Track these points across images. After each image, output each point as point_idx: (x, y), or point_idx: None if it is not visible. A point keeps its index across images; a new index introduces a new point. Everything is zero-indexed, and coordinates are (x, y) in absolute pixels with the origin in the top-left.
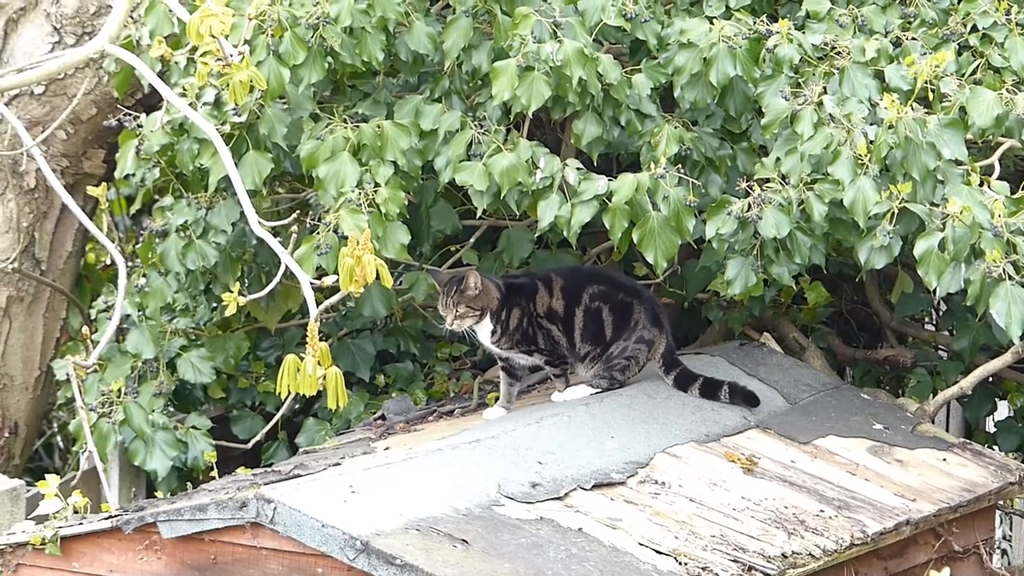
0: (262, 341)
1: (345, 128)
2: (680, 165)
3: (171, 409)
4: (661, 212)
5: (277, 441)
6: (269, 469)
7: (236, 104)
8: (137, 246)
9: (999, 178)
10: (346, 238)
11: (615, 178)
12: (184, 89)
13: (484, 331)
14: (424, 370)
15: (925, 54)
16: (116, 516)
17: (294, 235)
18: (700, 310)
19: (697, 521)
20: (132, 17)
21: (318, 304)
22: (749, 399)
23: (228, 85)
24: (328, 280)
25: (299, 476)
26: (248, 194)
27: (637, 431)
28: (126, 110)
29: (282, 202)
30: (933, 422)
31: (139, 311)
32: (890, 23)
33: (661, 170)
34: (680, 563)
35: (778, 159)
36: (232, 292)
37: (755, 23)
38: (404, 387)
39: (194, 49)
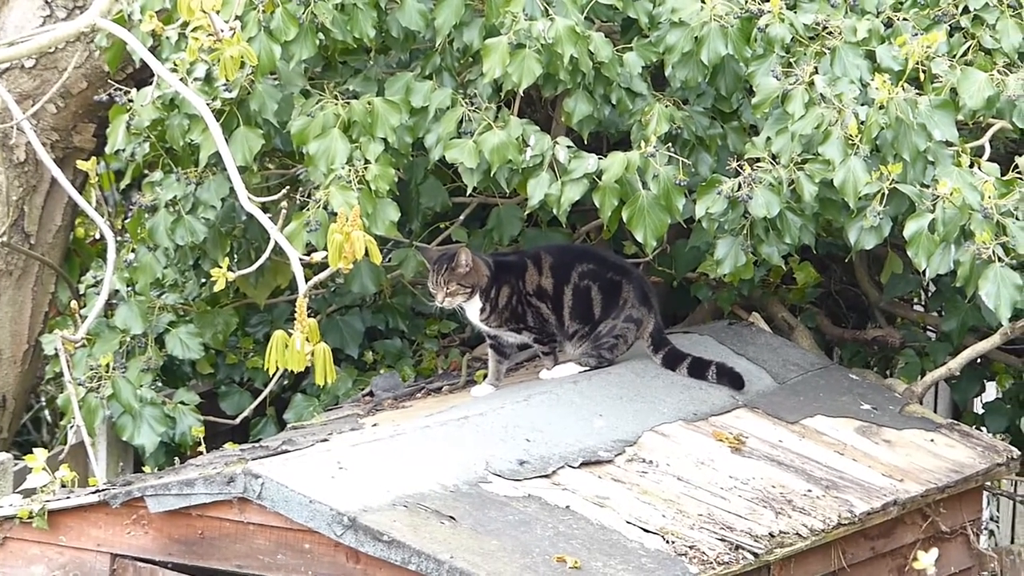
0: (251, 317)
1: (336, 105)
2: (670, 144)
3: (159, 384)
4: (651, 191)
5: (265, 417)
6: (257, 445)
7: (227, 80)
8: (126, 221)
9: (989, 159)
10: (336, 215)
11: (605, 156)
12: (175, 64)
13: (473, 309)
14: (412, 347)
15: (916, 34)
16: (104, 490)
17: (284, 211)
18: (689, 289)
19: (684, 500)
20: None
21: (307, 280)
22: (735, 381)
23: (219, 61)
24: (317, 256)
25: (287, 452)
26: (238, 170)
27: (625, 409)
28: (117, 85)
29: (272, 178)
30: (921, 403)
31: (128, 286)
32: (882, 3)
33: (651, 149)
34: (667, 541)
35: (769, 139)
36: (221, 268)
37: (746, 2)
38: (392, 364)
39: (185, 24)
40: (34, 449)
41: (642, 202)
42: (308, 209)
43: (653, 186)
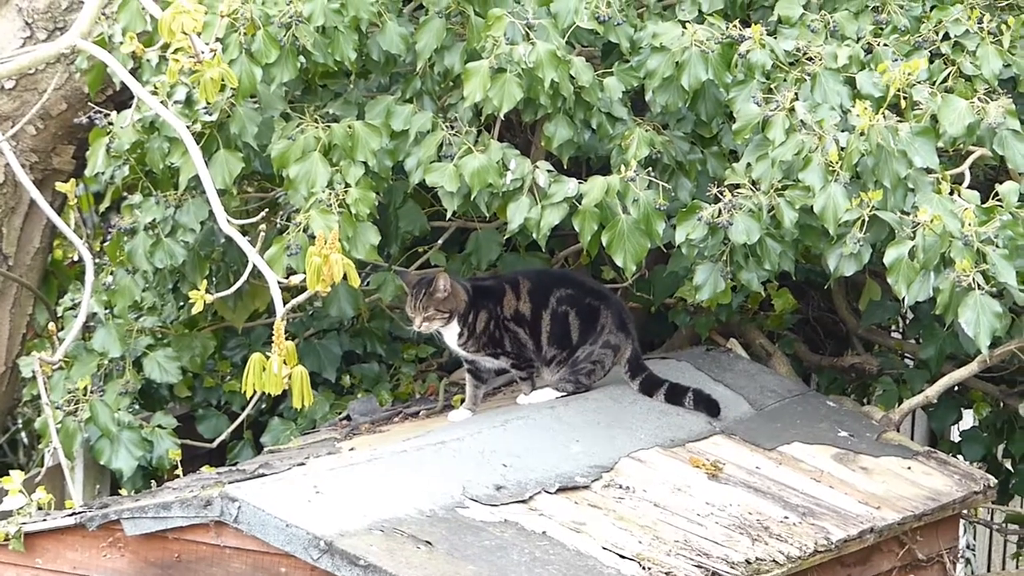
0: (229, 340)
1: (316, 128)
2: (650, 169)
3: (137, 407)
4: (631, 215)
5: (242, 440)
6: (234, 468)
7: (207, 102)
8: (105, 244)
9: (969, 187)
10: (315, 238)
11: (585, 181)
12: (155, 87)
13: (451, 334)
14: (390, 371)
15: (897, 60)
16: (80, 513)
17: (262, 234)
18: (667, 315)
19: (661, 526)
20: (104, 13)
21: (285, 303)
22: (711, 408)
23: (199, 83)
24: (295, 279)
25: (264, 475)
26: (218, 193)
27: (602, 435)
28: (96, 107)
29: (251, 201)
30: (898, 430)
31: (106, 309)
32: (862, 29)
33: (631, 173)
34: (644, 568)
35: (749, 165)
36: (199, 290)
37: (727, 28)
38: (370, 388)
39: (166, 46)
40: (11, 471)
41: (622, 226)
42: (288, 233)
43: (633, 211)
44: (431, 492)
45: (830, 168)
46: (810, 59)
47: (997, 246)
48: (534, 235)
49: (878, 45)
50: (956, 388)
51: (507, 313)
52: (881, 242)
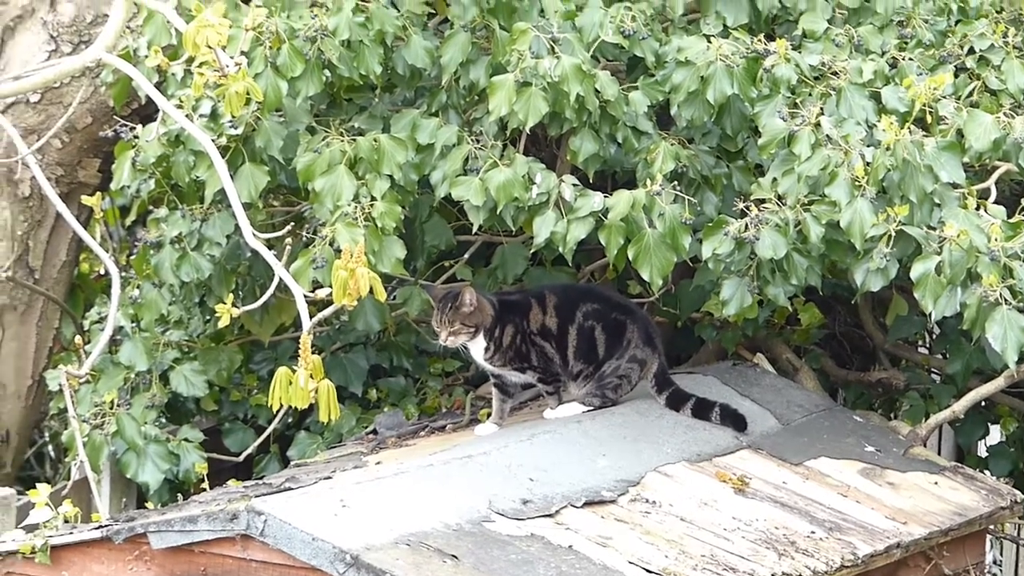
0: (255, 354)
1: (342, 141)
2: (676, 183)
3: (163, 421)
4: (657, 229)
5: (269, 454)
6: (260, 482)
7: (232, 116)
8: (131, 257)
9: (995, 202)
10: (341, 252)
11: (611, 195)
12: (180, 100)
13: (478, 348)
14: (416, 385)
15: (922, 74)
16: (106, 526)
17: (288, 247)
18: (693, 329)
19: (687, 540)
20: (129, 27)
21: (311, 317)
22: (738, 423)
23: (224, 97)
24: (322, 293)
25: (290, 489)
26: (243, 206)
27: (628, 449)
28: (122, 120)
29: (277, 215)
30: (925, 445)
31: (133, 323)
32: (887, 43)
33: (657, 187)
34: None
35: (775, 179)
36: (226, 304)
37: (752, 42)
38: (396, 402)
39: (191, 60)
40: (37, 484)
41: (648, 240)
42: (314, 246)
43: (659, 224)
44: (457, 506)
45: (856, 183)
46: (835, 74)
47: None
48: (560, 249)
49: (903, 59)
50: (983, 403)
51: (534, 327)
52: (908, 257)
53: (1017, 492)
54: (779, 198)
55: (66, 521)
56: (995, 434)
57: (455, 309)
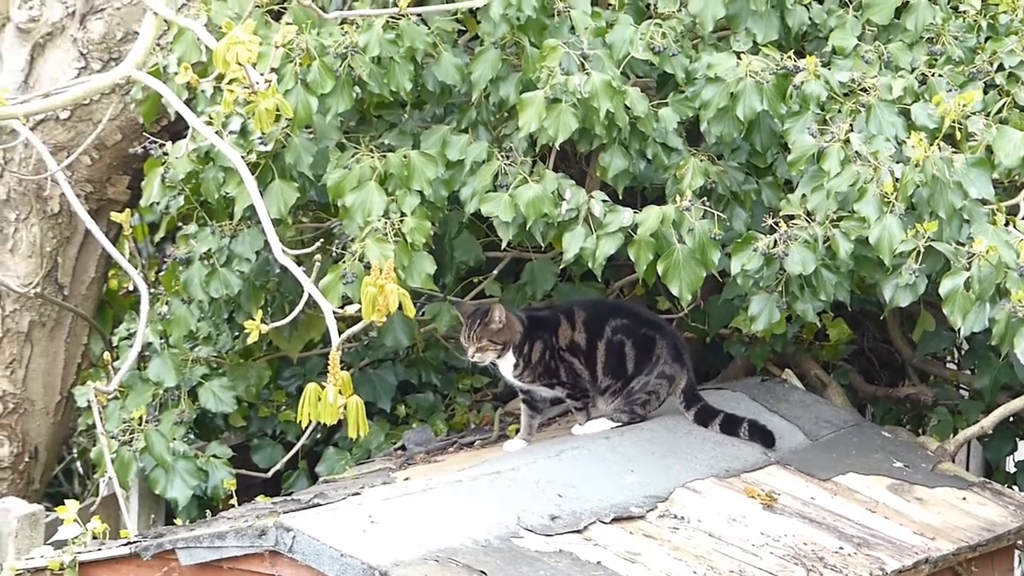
0: (284, 370)
1: (372, 157)
2: (705, 198)
3: (192, 437)
4: (686, 245)
5: (297, 470)
6: (289, 498)
7: (262, 132)
8: (160, 273)
9: None
10: (371, 267)
11: (640, 211)
12: (210, 117)
13: (507, 364)
14: (445, 401)
15: (951, 90)
16: (135, 542)
17: (317, 264)
18: (722, 345)
19: (716, 556)
20: (159, 44)
21: (340, 333)
22: (766, 438)
23: (254, 113)
24: (351, 309)
25: (319, 505)
26: (273, 223)
27: (657, 465)
28: (152, 137)
29: (306, 231)
30: (954, 461)
31: (161, 339)
32: (916, 60)
33: (686, 203)
34: None
35: (804, 195)
36: (255, 320)
37: (782, 59)
38: (425, 418)
39: (221, 77)
40: (66, 501)
41: (677, 256)
42: (344, 261)
43: (688, 240)
44: (486, 522)
45: (885, 199)
46: (864, 90)
47: None
48: (590, 264)
49: (932, 76)
50: (1011, 419)
51: (562, 343)
52: (936, 273)
53: None
54: (808, 214)
55: (94, 537)
56: (1023, 450)
57: (484, 326)
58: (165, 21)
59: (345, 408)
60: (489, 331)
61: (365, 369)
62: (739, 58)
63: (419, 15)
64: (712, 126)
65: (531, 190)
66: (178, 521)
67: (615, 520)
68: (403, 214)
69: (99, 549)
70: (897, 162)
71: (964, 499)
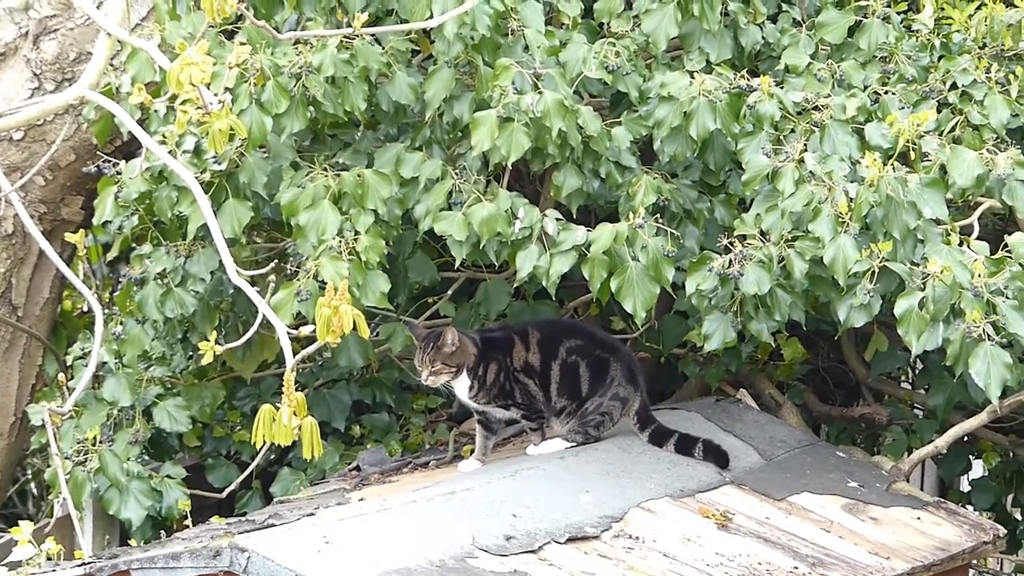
0: (238, 390)
1: (326, 176)
2: (658, 216)
3: (146, 457)
4: (639, 262)
5: (251, 491)
6: (243, 518)
7: (216, 152)
8: (114, 294)
9: (978, 238)
10: (326, 285)
11: (593, 229)
12: (164, 137)
13: (462, 386)
14: (400, 421)
15: (903, 108)
16: (89, 563)
17: (272, 284)
18: (677, 365)
19: None
20: (113, 64)
21: (295, 354)
22: (720, 458)
23: (208, 133)
24: (305, 330)
25: (273, 526)
26: (228, 242)
27: (612, 485)
28: (105, 157)
29: (260, 252)
30: (908, 480)
31: (116, 359)
32: (869, 78)
33: (639, 220)
34: None
35: (758, 215)
36: (209, 341)
37: (735, 78)
38: (379, 438)
39: (174, 97)
40: (20, 522)
41: (631, 273)
42: (298, 279)
43: (642, 257)
44: (441, 542)
45: (840, 219)
46: (818, 109)
47: (1007, 297)
48: (543, 283)
49: (885, 94)
50: (966, 438)
51: (517, 364)
52: (891, 293)
53: (1000, 527)
54: (763, 234)
55: (49, 559)
56: (978, 469)
57: (437, 349)
58: (119, 41)
59: (299, 429)
60: (442, 354)
61: (319, 389)
62: (692, 77)
63: (373, 35)
64: (665, 145)
65: (484, 209)
66: (133, 542)
67: (570, 540)
68: (357, 232)
69: (54, 570)
70: (851, 182)
71: (919, 519)
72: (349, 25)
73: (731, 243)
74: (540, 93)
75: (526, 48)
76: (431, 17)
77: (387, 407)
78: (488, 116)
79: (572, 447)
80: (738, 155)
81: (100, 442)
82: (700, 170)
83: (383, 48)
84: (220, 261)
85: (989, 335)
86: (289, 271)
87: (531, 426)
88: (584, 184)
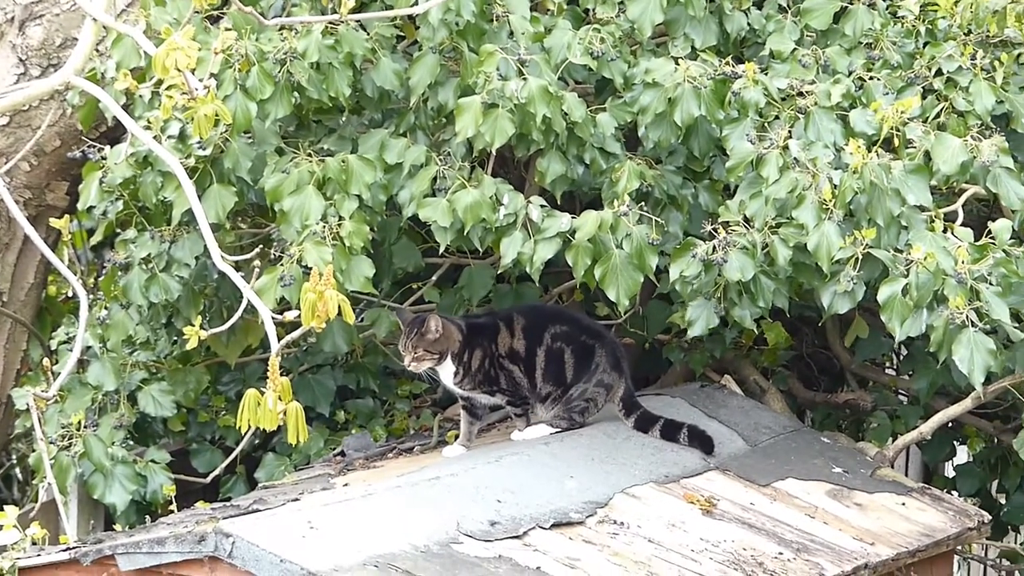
0: (223, 375)
1: (310, 162)
2: (642, 203)
3: (131, 442)
4: (623, 250)
5: (236, 476)
6: (228, 503)
7: (201, 138)
8: (99, 279)
9: (962, 224)
10: (310, 270)
11: (578, 216)
12: (149, 122)
13: (447, 372)
14: (384, 407)
15: (888, 94)
16: (74, 548)
17: (256, 269)
18: (661, 351)
19: (656, 562)
20: (98, 50)
21: (279, 339)
22: (705, 444)
23: (193, 119)
24: (290, 315)
25: (258, 511)
26: (212, 227)
27: (597, 471)
28: (90, 142)
29: (245, 237)
30: (893, 466)
31: (100, 343)
32: (854, 64)
33: (623, 208)
34: None
35: (742, 202)
36: (194, 326)
37: (720, 64)
38: (364, 423)
39: (159, 82)
40: (4, 507)
41: (615, 261)
42: (282, 264)
43: (626, 245)
44: (426, 527)
45: (824, 206)
46: (802, 95)
47: (990, 283)
48: (527, 269)
49: (870, 80)
50: (950, 424)
51: (502, 351)
52: (875, 279)
53: (984, 512)
54: (747, 220)
55: (34, 543)
56: (962, 454)
57: (420, 335)
58: (104, 27)
59: (284, 414)
60: (425, 341)
61: (304, 374)
62: (677, 63)
63: (358, 21)
64: (650, 131)
65: (469, 195)
66: (117, 526)
67: (555, 526)
68: (341, 218)
69: (38, 555)
70: (835, 169)
71: (903, 504)
72: (334, 11)
73: (715, 229)
74: (525, 79)
75: (511, 34)
76: (416, 3)
77: (372, 392)
78: (473, 102)
79: (557, 433)
80: (723, 141)
81: (85, 427)
82: (684, 156)
83: (368, 34)
84: (205, 246)
85: (973, 321)
86: (273, 256)
87: (516, 412)
88: (568, 170)
